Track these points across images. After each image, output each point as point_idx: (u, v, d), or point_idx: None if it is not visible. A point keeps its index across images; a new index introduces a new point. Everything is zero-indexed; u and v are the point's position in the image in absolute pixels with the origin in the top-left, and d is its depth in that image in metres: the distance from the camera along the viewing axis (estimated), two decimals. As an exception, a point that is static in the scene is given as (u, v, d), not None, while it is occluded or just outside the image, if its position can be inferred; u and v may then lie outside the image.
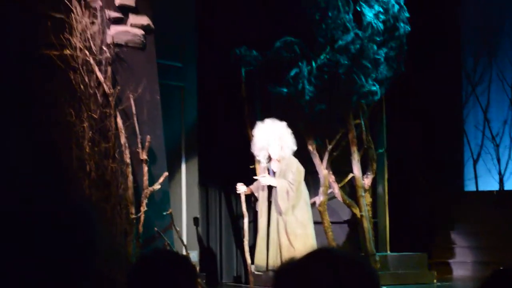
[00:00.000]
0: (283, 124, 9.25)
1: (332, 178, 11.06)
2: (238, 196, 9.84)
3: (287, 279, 2.37)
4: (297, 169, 9.01)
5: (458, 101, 13.35)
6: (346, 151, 11.08)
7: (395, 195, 11.98)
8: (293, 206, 8.94)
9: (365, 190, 11.15)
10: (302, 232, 9.00)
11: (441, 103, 13.00)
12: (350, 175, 11.13)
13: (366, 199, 11.12)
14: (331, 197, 11.16)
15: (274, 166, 9.17)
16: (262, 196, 9.15)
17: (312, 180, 11.00)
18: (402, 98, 12.35)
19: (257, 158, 9.42)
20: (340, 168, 11.21)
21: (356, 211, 11.07)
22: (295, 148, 9.20)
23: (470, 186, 13.18)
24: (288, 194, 8.91)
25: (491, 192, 12.76)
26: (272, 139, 9.11)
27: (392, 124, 11.92)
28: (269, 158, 9.29)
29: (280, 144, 9.08)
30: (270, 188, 9.24)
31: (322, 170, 10.93)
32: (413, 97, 12.74)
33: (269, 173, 9.16)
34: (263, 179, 9.04)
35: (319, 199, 10.92)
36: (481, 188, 13.00)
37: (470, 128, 13.27)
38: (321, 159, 10.97)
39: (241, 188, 9.21)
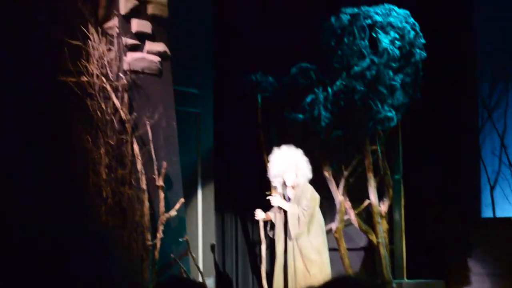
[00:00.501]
0: (299, 151, 9.23)
1: (348, 204, 11.04)
2: (254, 222, 9.82)
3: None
4: (312, 196, 8.98)
5: (474, 127, 13.29)
6: (362, 177, 11.06)
7: (412, 222, 11.92)
8: (308, 232, 8.90)
9: (382, 217, 11.11)
10: (318, 258, 8.94)
11: (458, 129, 12.95)
12: (367, 202, 11.10)
13: (382, 226, 11.08)
14: (348, 223, 11.13)
15: (289, 192, 9.15)
16: (279, 222, 9.12)
17: (328, 207, 10.98)
18: (418, 124, 12.32)
19: (273, 184, 9.41)
20: (356, 194, 11.18)
21: (373, 237, 11.02)
22: (310, 176, 9.17)
23: (487, 213, 13.09)
24: (299, 220, 8.87)
25: (508, 218, 12.67)
26: (287, 166, 9.09)
27: (408, 150, 11.89)
28: (285, 185, 9.27)
29: (295, 171, 9.06)
30: (286, 214, 9.20)
31: (338, 196, 10.91)
32: (429, 123, 12.70)
33: (284, 200, 9.14)
34: (274, 199, 9.00)
35: (336, 225, 10.89)
36: (498, 215, 12.92)
37: (487, 154, 13.20)
38: (337, 185, 10.96)
39: (259, 214, 9.18)
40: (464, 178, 13.10)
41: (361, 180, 11.07)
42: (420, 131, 12.59)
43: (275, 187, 9.54)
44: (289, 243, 8.95)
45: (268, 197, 9.09)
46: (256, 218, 9.21)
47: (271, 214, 9.26)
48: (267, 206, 9.45)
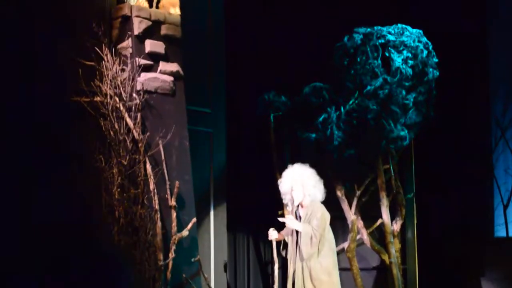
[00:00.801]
0: (308, 170, 9.17)
1: (360, 223, 11.03)
2: (266, 242, 9.81)
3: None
4: (322, 216, 8.94)
5: (487, 146, 13.26)
6: (375, 196, 11.05)
7: (425, 241, 11.89)
8: (318, 252, 8.87)
9: (394, 236, 11.09)
10: (328, 279, 8.91)
11: (471, 148, 12.93)
12: (379, 221, 11.09)
13: (395, 245, 11.05)
14: (360, 243, 11.11)
15: (301, 211, 9.13)
16: (291, 243, 9.11)
17: (340, 226, 10.97)
18: (431, 143, 12.30)
19: (284, 202, 9.39)
20: (369, 213, 11.17)
21: (385, 257, 11.00)
22: (319, 195, 9.07)
23: (500, 232, 13.04)
24: (311, 240, 8.85)
25: (521, 237, 12.65)
26: (294, 184, 9.07)
27: (421, 169, 11.87)
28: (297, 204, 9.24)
29: (301, 190, 9.03)
30: (298, 234, 9.19)
31: (351, 215, 10.91)
32: (442, 142, 12.68)
33: (296, 218, 9.13)
34: (289, 221, 8.98)
35: (348, 245, 10.87)
36: (511, 234, 12.88)
37: (500, 173, 13.16)
38: (350, 204, 10.95)
39: (273, 234, 9.17)
40: (478, 197, 13.07)
41: (373, 199, 11.05)
42: (433, 150, 12.57)
43: (286, 205, 9.53)
44: (299, 264, 8.93)
45: (281, 219, 9.07)
46: (270, 238, 9.19)
47: (284, 234, 9.25)
48: (280, 226, 9.45)
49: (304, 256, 8.85)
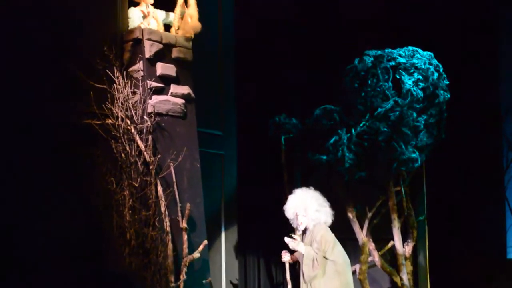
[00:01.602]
0: (312, 194, 9.09)
1: (372, 245, 11.01)
2: (277, 264, 9.80)
3: None
4: (322, 238, 8.85)
5: (499, 168, 13.25)
6: (386, 218, 11.03)
7: (437, 263, 11.85)
8: (323, 274, 8.81)
9: (406, 258, 11.06)
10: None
11: (482, 170, 12.91)
12: (391, 243, 11.06)
13: (407, 267, 11.03)
14: (372, 265, 11.08)
15: (306, 234, 9.09)
16: (301, 264, 9.08)
17: (352, 248, 10.94)
18: (443, 165, 12.29)
19: (293, 225, 9.34)
20: (380, 235, 11.15)
21: (397, 279, 10.97)
22: (323, 219, 8.99)
23: (512, 254, 13.03)
24: (313, 262, 8.81)
25: (534, 259, 12.61)
26: (298, 210, 9.03)
27: (432, 191, 11.86)
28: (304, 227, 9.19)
29: (305, 213, 8.99)
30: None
31: (362, 237, 10.90)
32: (454, 164, 12.67)
33: (302, 241, 9.10)
34: (292, 243, 8.95)
35: (359, 267, 10.86)
36: (524, 256, 12.85)
37: (512, 194, 13.16)
38: (361, 226, 10.94)
39: (286, 256, 9.15)
40: (490, 219, 13.04)
41: (385, 221, 11.04)
42: (445, 172, 12.55)
43: (296, 228, 9.51)
44: (303, 286, 8.90)
45: (286, 240, 9.03)
46: (283, 260, 9.17)
47: (298, 256, 9.21)
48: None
49: (306, 278, 8.81)
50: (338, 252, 8.85)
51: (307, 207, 8.93)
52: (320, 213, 8.93)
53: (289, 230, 10.24)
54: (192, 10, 9.68)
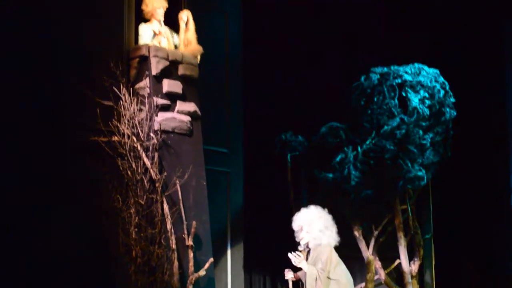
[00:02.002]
0: (320, 214, 9.03)
1: (378, 264, 10.96)
2: (284, 282, 9.73)
3: None
4: (327, 259, 8.82)
5: (505, 185, 13.22)
6: (392, 236, 10.99)
7: (443, 282, 11.81)
8: None
9: (412, 277, 11.01)
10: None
11: (488, 187, 12.89)
12: (397, 261, 11.02)
13: (413, 286, 10.98)
14: (378, 283, 11.04)
15: (310, 254, 9.04)
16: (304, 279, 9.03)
17: (358, 266, 10.90)
18: (449, 182, 12.26)
19: (297, 240, 9.29)
20: (386, 254, 11.10)
21: (403, 298, 10.93)
22: (326, 240, 8.92)
23: (519, 271, 12.98)
24: (316, 282, 8.77)
25: (542, 276, 12.56)
26: (303, 225, 9.00)
27: (439, 209, 11.83)
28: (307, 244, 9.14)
29: (309, 229, 8.95)
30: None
31: (368, 255, 10.85)
32: (460, 182, 12.64)
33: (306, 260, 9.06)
34: (295, 259, 8.90)
35: (365, 285, 10.81)
36: (530, 272, 12.80)
37: (518, 212, 13.13)
38: (367, 244, 10.90)
39: (288, 274, 9.11)
40: (496, 237, 13.00)
41: (391, 239, 11.00)
42: (451, 190, 12.52)
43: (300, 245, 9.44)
44: (307, 304, 8.84)
45: (290, 256, 8.97)
46: (286, 277, 9.14)
47: (301, 274, 9.18)
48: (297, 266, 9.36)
49: None
50: (341, 271, 8.81)
51: (312, 224, 8.89)
52: (323, 234, 8.86)
53: (295, 248, 10.22)
54: (191, 35, 9.72)
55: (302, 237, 8.94)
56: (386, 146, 10.42)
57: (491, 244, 12.93)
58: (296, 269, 9.22)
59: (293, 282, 9.26)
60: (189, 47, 9.69)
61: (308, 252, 9.02)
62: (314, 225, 8.89)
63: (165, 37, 9.60)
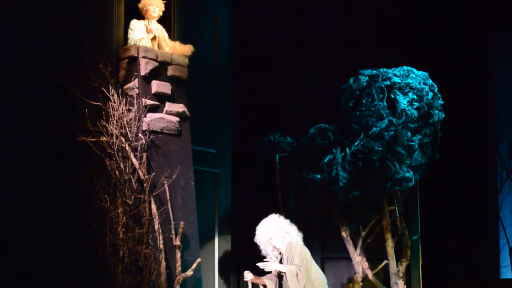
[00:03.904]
0: (278, 219, 9.11)
1: (366, 264, 11.00)
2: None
3: None
4: (301, 252, 8.88)
5: (493, 187, 13.26)
6: (380, 237, 11.02)
7: (430, 283, 11.85)
8: None
9: (400, 277, 11.05)
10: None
11: (476, 190, 12.93)
12: (384, 262, 11.06)
13: (400, 287, 11.01)
14: (365, 284, 11.06)
15: (283, 257, 9.03)
16: (274, 286, 9.02)
17: (345, 267, 10.93)
18: (437, 184, 12.31)
19: (268, 256, 9.23)
20: (374, 254, 11.13)
21: (390, 298, 10.97)
22: (295, 238, 8.97)
23: (506, 274, 13.01)
24: (297, 276, 8.80)
25: (527, 279, 12.61)
26: (270, 231, 9.01)
27: (426, 210, 11.86)
28: (279, 252, 9.13)
29: (278, 232, 8.97)
30: (280, 279, 9.08)
31: (356, 256, 10.89)
32: (447, 184, 12.69)
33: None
34: (270, 264, 8.90)
35: (353, 286, 10.85)
36: (517, 276, 12.85)
37: (506, 214, 13.15)
38: (355, 245, 10.93)
39: (248, 275, 9.10)
40: (483, 238, 13.04)
41: (379, 240, 11.03)
42: (439, 192, 12.57)
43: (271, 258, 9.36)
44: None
45: (262, 264, 8.95)
46: (245, 279, 9.12)
47: (267, 281, 9.14)
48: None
49: None
50: (315, 271, 8.88)
51: (278, 226, 8.92)
52: (290, 235, 8.92)
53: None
54: (171, 43, 9.78)
55: (277, 241, 8.94)
56: (375, 148, 10.45)
57: (478, 245, 12.98)
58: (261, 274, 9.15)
59: (252, 284, 9.23)
60: (177, 50, 9.71)
61: (280, 260, 9.03)
62: (280, 227, 8.93)
63: (156, 36, 9.64)
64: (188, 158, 9.59)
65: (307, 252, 8.92)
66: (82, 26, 9.10)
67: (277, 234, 8.90)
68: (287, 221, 9.04)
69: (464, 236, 12.90)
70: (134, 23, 9.59)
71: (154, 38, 9.67)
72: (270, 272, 9.05)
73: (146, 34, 9.58)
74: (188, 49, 9.77)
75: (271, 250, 9.04)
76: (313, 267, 8.90)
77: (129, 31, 9.56)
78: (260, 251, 10.58)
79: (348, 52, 12.10)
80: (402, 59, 11.18)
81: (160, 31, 9.74)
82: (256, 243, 9.81)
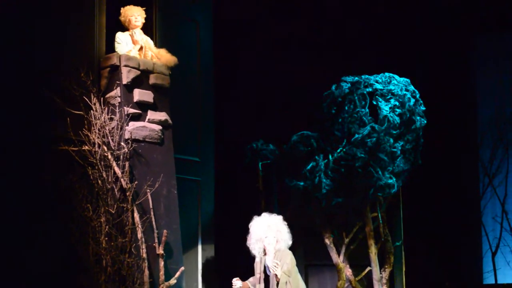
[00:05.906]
0: (280, 217, 9.15)
1: (349, 271, 11.02)
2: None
3: None
4: (291, 260, 8.91)
5: (475, 193, 13.31)
6: (363, 244, 11.04)
7: (413, 288, 11.89)
8: None
9: (383, 284, 11.07)
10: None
11: (459, 195, 12.97)
12: (368, 269, 11.08)
13: (383, 293, 11.04)
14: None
15: (268, 260, 9.03)
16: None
17: (329, 274, 10.94)
18: (419, 190, 12.34)
19: (252, 251, 9.24)
20: (357, 261, 11.15)
21: (374, 305, 10.98)
22: (290, 242, 9.06)
23: (489, 279, 13.05)
24: (286, 285, 8.82)
25: (510, 284, 12.63)
26: (269, 231, 9.02)
27: (409, 217, 11.89)
28: (264, 252, 9.13)
29: (276, 237, 8.99)
30: (266, 283, 9.08)
31: (339, 263, 10.90)
32: (430, 190, 12.72)
33: (265, 269, 9.07)
34: (274, 266, 8.89)
35: (336, 293, 10.87)
36: (500, 281, 12.86)
37: (488, 220, 13.20)
38: (338, 252, 10.95)
39: (237, 283, 9.10)
40: (466, 244, 13.08)
41: (362, 247, 11.05)
42: (421, 198, 12.60)
43: (254, 255, 9.36)
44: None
45: (270, 265, 8.94)
46: (234, 287, 9.10)
47: (250, 283, 9.14)
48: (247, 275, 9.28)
49: None
50: (299, 279, 8.90)
51: (279, 230, 8.93)
52: (288, 236, 8.95)
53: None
54: (157, 52, 9.77)
55: (270, 243, 8.94)
56: (357, 154, 10.47)
57: (461, 251, 13.01)
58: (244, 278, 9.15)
59: None
60: (163, 57, 9.71)
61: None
62: (282, 229, 8.94)
63: (143, 46, 9.63)
64: (170, 167, 9.58)
65: (294, 262, 8.92)
66: (64, 35, 9.07)
67: (274, 237, 8.91)
68: (287, 229, 9.01)
69: (447, 242, 12.94)
70: (120, 36, 9.57)
71: (141, 48, 9.66)
72: (253, 274, 9.05)
73: (133, 46, 9.57)
74: (172, 60, 9.76)
75: (258, 246, 9.03)
76: (298, 275, 8.94)
77: (116, 44, 9.55)
78: (244, 257, 10.57)
79: (330, 58, 12.12)
80: (384, 65, 11.22)
81: (145, 41, 9.73)
82: (244, 245, 9.82)
